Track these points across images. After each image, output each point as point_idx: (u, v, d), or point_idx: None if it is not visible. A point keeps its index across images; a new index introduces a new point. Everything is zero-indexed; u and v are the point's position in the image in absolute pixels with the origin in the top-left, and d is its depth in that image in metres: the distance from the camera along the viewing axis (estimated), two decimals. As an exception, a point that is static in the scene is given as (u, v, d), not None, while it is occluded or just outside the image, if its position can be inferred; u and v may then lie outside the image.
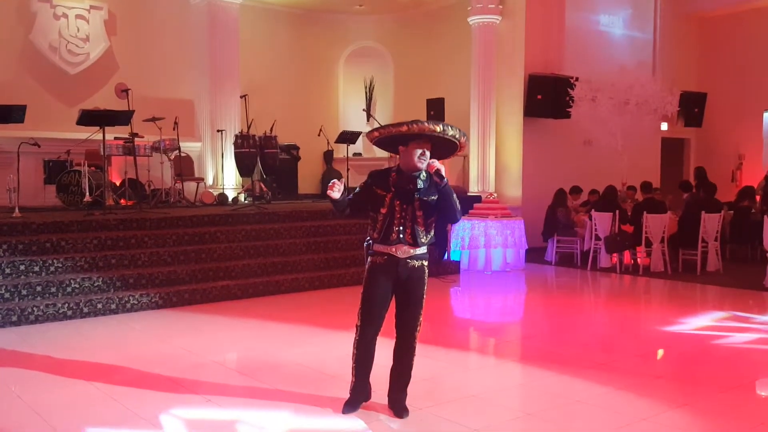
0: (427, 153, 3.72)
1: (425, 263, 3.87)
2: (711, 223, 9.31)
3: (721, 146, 14.27)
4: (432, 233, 3.85)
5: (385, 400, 4.04)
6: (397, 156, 3.85)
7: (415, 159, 3.69)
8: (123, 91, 8.99)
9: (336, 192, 3.74)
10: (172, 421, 3.90)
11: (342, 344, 5.62)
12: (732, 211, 10.51)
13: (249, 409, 4.07)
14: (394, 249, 3.76)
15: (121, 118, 8.50)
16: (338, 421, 3.89)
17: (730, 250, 10.61)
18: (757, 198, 10.86)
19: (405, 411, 3.92)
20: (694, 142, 14.88)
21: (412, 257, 3.79)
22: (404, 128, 3.63)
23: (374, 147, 4.04)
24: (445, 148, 3.81)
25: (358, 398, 4.01)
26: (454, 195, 3.79)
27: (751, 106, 13.40)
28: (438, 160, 3.73)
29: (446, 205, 3.76)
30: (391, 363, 4.02)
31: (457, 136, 3.71)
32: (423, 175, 3.76)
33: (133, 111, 8.63)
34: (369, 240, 3.86)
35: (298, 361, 5.05)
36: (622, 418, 3.95)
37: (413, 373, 4.02)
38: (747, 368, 5.16)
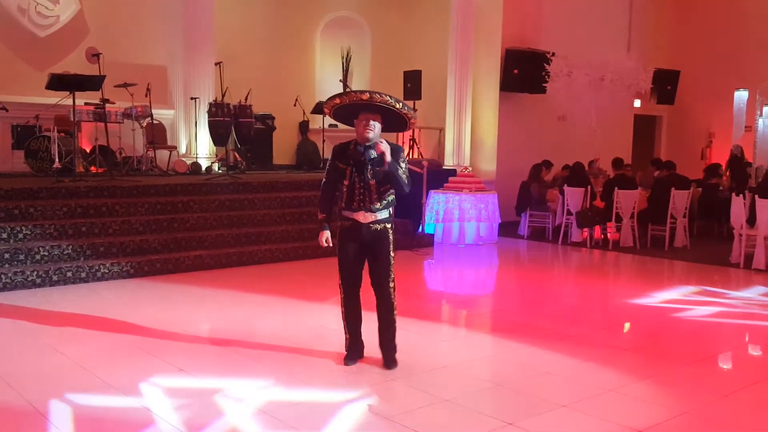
0: (374, 123, 4.02)
1: (388, 226, 4.21)
2: (680, 200, 9.50)
3: (692, 124, 14.49)
4: (389, 199, 4.17)
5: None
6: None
7: (361, 128, 4.02)
8: (94, 56, 8.77)
9: (325, 239, 4.21)
10: (143, 390, 3.90)
11: (316, 315, 5.68)
12: (700, 188, 10.73)
13: (221, 379, 4.09)
14: (356, 215, 4.12)
15: (92, 83, 8.31)
16: (313, 393, 3.93)
17: (698, 226, 10.85)
18: (724, 178, 11.09)
19: (393, 363, 4.29)
20: (666, 120, 15.08)
21: (373, 222, 4.14)
22: (337, 100, 4.00)
23: None
24: (396, 122, 4.15)
25: (353, 353, 4.37)
26: (401, 171, 4.09)
27: (722, 85, 13.58)
28: (393, 133, 4.10)
29: (394, 182, 4.09)
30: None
31: (399, 106, 4.01)
32: (369, 145, 4.03)
33: (104, 76, 8.43)
34: (338, 208, 4.19)
35: (272, 332, 5.06)
36: (590, 389, 4.05)
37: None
38: (711, 342, 5.33)
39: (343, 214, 4.17)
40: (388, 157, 3.98)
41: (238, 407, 3.68)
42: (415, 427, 3.46)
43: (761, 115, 11.95)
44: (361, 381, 4.12)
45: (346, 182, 4.10)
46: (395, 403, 3.78)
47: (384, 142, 4.02)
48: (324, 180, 4.22)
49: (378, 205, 4.10)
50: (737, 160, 11.73)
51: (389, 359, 4.29)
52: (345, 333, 4.38)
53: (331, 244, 4.24)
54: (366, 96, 3.96)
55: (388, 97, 3.97)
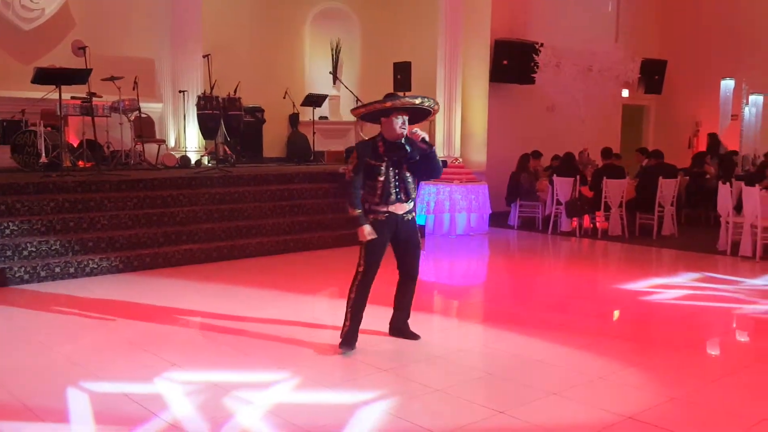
0: (407, 121, 4.33)
1: (415, 214, 4.60)
2: (667, 188, 9.56)
3: (680, 113, 14.57)
4: (416, 192, 4.57)
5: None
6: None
7: (397, 128, 4.29)
8: (80, 49, 8.69)
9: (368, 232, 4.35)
10: (137, 385, 3.90)
11: (308, 308, 5.69)
12: (687, 177, 10.82)
13: (214, 373, 4.09)
14: (393, 207, 4.40)
15: (78, 76, 8.23)
16: (302, 383, 3.95)
17: (686, 214, 10.93)
18: (708, 168, 11.20)
19: (417, 334, 4.72)
20: (654, 109, 15.16)
21: (407, 212, 4.48)
22: (388, 104, 4.26)
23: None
24: (419, 115, 4.48)
25: (351, 341, 4.47)
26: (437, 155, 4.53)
27: (709, 75, 13.65)
28: (414, 123, 4.38)
29: (433, 165, 4.44)
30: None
31: (432, 105, 4.42)
32: (403, 140, 4.35)
33: (91, 69, 8.36)
34: (366, 204, 4.39)
35: (263, 326, 5.07)
36: (580, 376, 4.10)
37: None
38: (698, 328, 5.39)
39: (377, 209, 4.38)
40: (428, 139, 4.38)
41: (222, 398, 3.69)
42: (408, 417, 3.49)
43: (747, 103, 12.04)
44: (352, 372, 4.14)
45: (381, 177, 4.33)
46: (388, 394, 3.80)
47: (416, 129, 4.36)
48: (352, 177, 4.35)
49: (414, 194, 4.48)
50: (714, 148, 11.94)
51: (413, 332, 4.73)
52: (346, 321, 4.47)
53: (375, 236, 4.34)
54: (417, 101, 4.34)
55: (425, 100, 4.38)
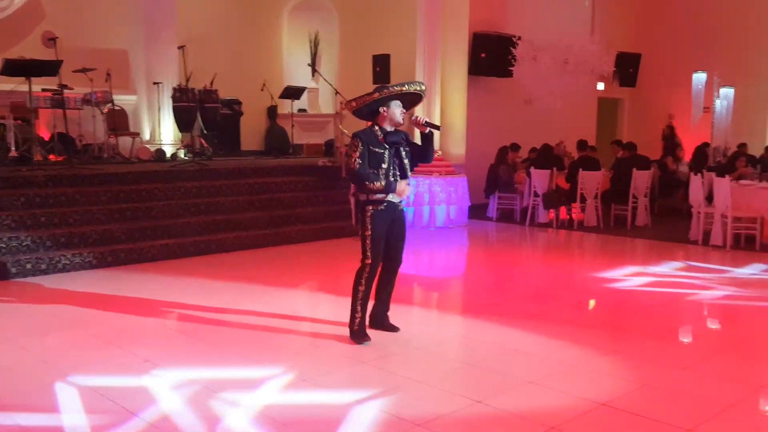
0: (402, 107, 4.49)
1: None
2: (641, 180, 9.70)
3: (653, 106, 14.77)
4: None
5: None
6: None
7: (399, 117, 4.44)
8: (50, 40, 8.54)
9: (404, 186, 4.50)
10: (110, 382, 3.85)
11: (287, 302, 5.66)
12: (660, 168, 10.99)
13: (190, 370, 4.06)
14: (392, 197, 4.45)
15: (49, 68, 8.07)
16: (284, 379, 3.93)
17: (659, 205, 11.09)
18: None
19: (396, 327, 4.74)
20: (628, 102, 15.34)
21: (401, 201, 4.55)
22: (385, 92, 4.38)
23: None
24: (410, 100, 4.61)
25: (364, 330, 4.52)
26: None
27: (681, 68, 13.83)
28: (407, 110, 4.53)
29: (431, 148, 4.62)
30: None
31: (424, 89, 4.59)
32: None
33: (62, 61, 8.20)
34: (364, 196, 4.42)
35: (242, 321, 5.03)
36: (556, 365, 4.14)
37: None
38: (671, 316, 5.48)
39: (377, 198, 4.41)
40: (429, 121, 4.57)
41: (197, 394, 3.66)
42: (387, 408, 3.50)
43: (718, 96, 12.21)
44: (332, 365, 4.14)
45: (384, 165, 4.39)
46: (367, 386, 3.80)
47: (417, 115, 4.57)
48: (359, 164, 4.35)
49: (409, 185, 4.59)
50: (670, 140, 12.20)
51: (392, 325, 4.73)
52: (356, 314, 4.48)
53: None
54: (415, 87, 4.52)
55: (417, 85, 4.57)
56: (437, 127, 4.69)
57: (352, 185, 4.63)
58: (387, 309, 4.75)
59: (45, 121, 9.72)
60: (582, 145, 10.30)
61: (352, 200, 4.61)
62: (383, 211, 4.43)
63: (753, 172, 9.80)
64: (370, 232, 4.42)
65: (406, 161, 4.51)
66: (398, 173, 4.47)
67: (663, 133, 13.22)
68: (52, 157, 9.02)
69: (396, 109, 4.43)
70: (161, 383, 3.80)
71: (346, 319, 4.57)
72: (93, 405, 3.50)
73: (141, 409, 3.43)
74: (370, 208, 4.42)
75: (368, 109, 4.46)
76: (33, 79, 7.94)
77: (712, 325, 5.47)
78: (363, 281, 4.46)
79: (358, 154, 4.35)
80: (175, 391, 3.69)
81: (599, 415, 3.43)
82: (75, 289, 5.92)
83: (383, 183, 4.36)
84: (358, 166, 4.33)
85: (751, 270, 7.01)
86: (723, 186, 8.03)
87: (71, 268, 6.58)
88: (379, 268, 4.59)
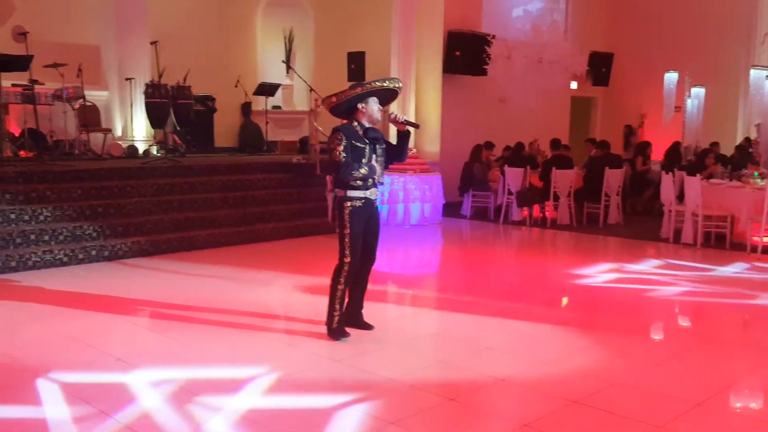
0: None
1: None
2: (613, 179, 9.84)
3: (626, 105, 14.98)
4: None
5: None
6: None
7: (377, 113, 4.47)
8: (20, 35, 8.40)
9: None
10: (82, 383, 3.81)
11: (262, 300, 5.64)
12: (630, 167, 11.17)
13: (163, 369, 4.03)
14: (369, 193, 4.47)
15: (19, 63, 7.94)
16: (259, 378, 3.93)
17: (631, 203, 11.26)
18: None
19: (370, 324, 4.74)
20: (601, 101, 15.54)
21: (377, 198, 4.58)
22: (359, 90, 4.39)
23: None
24: (386, 97, 4.64)
25: (344, 327, 4.54)
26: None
27: (653, 67, 14.03)
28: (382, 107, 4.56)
29: (405, 148, 4.66)
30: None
31: (400, 86, 4.61)
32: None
33: (32, 56, 8.06)
34: (341, 192, 4.41)
35: (216, 319, 5.01)
36: (529, 363, 4.19)
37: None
38: (643, 314, 5.58)
39: (354, 195, 4.41)
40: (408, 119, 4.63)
41: (166, 393, 3.64)
42: (361, 407, 3.51)
43: (690, 96, 12.42)
44: (305, 363, 4.14)
45: (365, 161, 4.41)
46: (342, 384, 3.82)
47: (395, 113, 4.64)
48: (345, 157, 4.34)
49: (383, 182, 4.56)
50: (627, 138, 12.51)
51: (366, 323, 4.73)
52: (335, 312, 4.49)
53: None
54: (391, 84, 4.53)
55: (393, 81, 4.57)
56: (416, 126, 4.72)
57: (329, 182, 4.62)
58: (361, 307, 4.76)
59: (15, 117, 9.53)
60: (555, 144, 10.41)
61: (329, 197, 4.58)
62: (361, 207, 4.44)
63: (723, 171, 9.99)
64: (348, 231, 4.42)
65: (381, 159, 4.54)
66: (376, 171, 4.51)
67: (624, 132, 13.53)
68: (22, 153, 8.87)
69: (374, 106, 4.46)
70: (134, 382, 3.76)
71: (321, 316, 4.58)
72: (70, 401, 3.46)
73: (115, 410, 3.40)
74: (349, 204, 4.42)
75: (346, 105, 4.46)
76: (2, 74, 7.79)
77: (683, 322, 5.58)
78: (342, 279, 4.47)
79: (342, 147, 4.34)
80: (149, 391, 3.66)
81: (570, 413, 3.47)
82: (45, 286, 5.83)
83: (366, 169, 4.39)
84: (342, 158, 4.33)
85: (721, 268, 7.14)
86: (694, 185, 8.18)
87: (42, 265, 6.48)
88: None
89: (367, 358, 4.24)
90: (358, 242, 4.46)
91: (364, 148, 4.42)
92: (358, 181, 4.40)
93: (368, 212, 4.49)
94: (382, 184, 4.66)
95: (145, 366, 4.02)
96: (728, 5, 13.52)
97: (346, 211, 4.42)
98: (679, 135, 12.77)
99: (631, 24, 14.72)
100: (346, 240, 4.43)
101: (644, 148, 11.74)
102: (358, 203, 4.43)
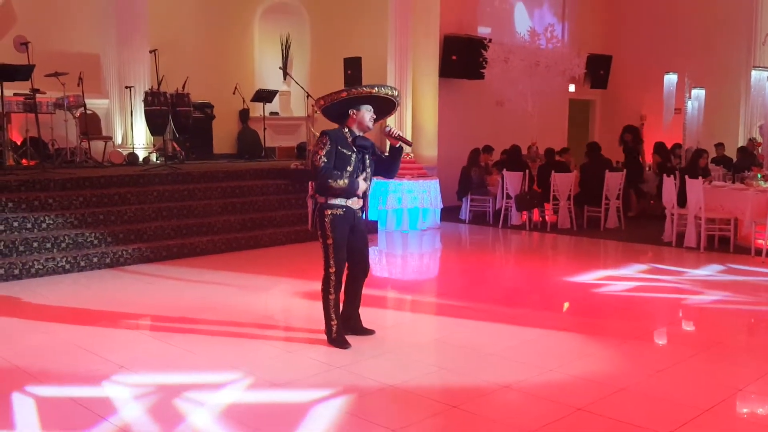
0: (373, 115, 4.40)
1: (365, 212, 4.66)
2: (613, 182, 9.83)
3: (625, 107, 14.99)
4: None
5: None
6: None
7: (368, 121, 4.37)
8: (22, 44, 8.45)
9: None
10: (83, 389, 3.82)
11: (261, 306, 5.66)
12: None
13: (164, 375, 4.04)
14: (351, 202, 4.38)
15: (21, 72, 7.99)
16: (255, 383, 3.93)
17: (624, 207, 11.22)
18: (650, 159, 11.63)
19: (370, 330, 4.73)
20: (600, 104, 15.56)
21: (360, 208, 4.48)
22: (354, 92, 4.30)
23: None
24: (384, 109, 4.50)
25: (343, 335, 4.51)
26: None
27: (652, 69, 14.05)
28: (379, 119, 4.46)
29: (397, 164, 4.55)
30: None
31: (396, 95, 4.42)
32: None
33: (34, 65, 8.11)
34: (323, 199, 4.33)
35: (213, 325, 5.01)
36: (532, 369, 4.17)
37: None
38: (647, 319, 5.54)
39: (335, 203, 4.33)
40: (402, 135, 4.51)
41: (173, 400, 3.65)
42: (360, 414, 3.52)
43: (690, 97, 12.43)
44: (305, 370, 4.15)
45: (350, 168, 4.30)
46: (341, 392, 3.82)
47: (389, 126, 4.51)
48: (325, 163, 4.25)
49: (368, 193, 4.51)
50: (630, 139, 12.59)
51: (366, 329, 4.71)
52: (331, 321, 4.46)
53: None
54: (387, 91, 4.36)
55: (389, 89, 4.40)
56: (408, 143, 4.59)
57: (310, 187, 4.53)
58: (358, 316, 4.72)
59: (17, 126, 9.58)
60: (549, 153, 10.32)
61: (310, 203, 4.51)
62: (342, 216, 4.36)
63: (726, 173, 9.94)
64: (331, 240, 4.35)
65: (369, 169, 4.46)
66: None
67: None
68: (24, 161, 8.92)
69: (366, 114, 4.36)
70: (134, 390, 3.77)
71: (320, 322, 4.58)
72: (65, 412, 3.46)
73: (111, 414, 3.41)
74: (329, 212, 4.34)
75: (337, 110, 4.38)
76: (4, 83, 7.84)
77: (688, 327, 5.53)
78: (331, 289, 4.43)
79: (324, 152, 4.25)
80: (147, 397, 3.67)
81: (576, 420, 3.44)
82: (47, 294, 5.84)
83: (346, 182, 4.27)
84: (322, 164, 4.23)
85: (725, 272, 7.07)
86: (696, 187, 8.09)
87: (44, 272, 6.50)
88: (346, 276, 4.55)
89: (367, 365, 4.24)
90: (342, 251, 4.40)
91: (350, 156, 4.31)
92: (339, 190, 4.30)
93: (350, 221, 4.41)
94: (367, 195, 4.54)
95: (144, 372, 4.03)
96: (728, 6, 13.52)
97: (327, 220, 4.35)
98: (680, 137, 12.80)
99: (630, 26, 14.75)
100: (330, 250, 4.36)
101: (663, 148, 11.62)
102: (338, 211, 4.35)
